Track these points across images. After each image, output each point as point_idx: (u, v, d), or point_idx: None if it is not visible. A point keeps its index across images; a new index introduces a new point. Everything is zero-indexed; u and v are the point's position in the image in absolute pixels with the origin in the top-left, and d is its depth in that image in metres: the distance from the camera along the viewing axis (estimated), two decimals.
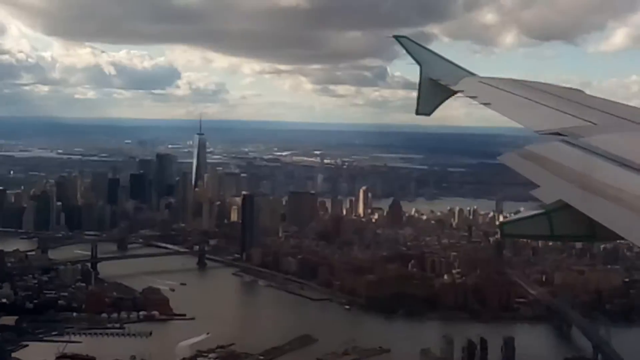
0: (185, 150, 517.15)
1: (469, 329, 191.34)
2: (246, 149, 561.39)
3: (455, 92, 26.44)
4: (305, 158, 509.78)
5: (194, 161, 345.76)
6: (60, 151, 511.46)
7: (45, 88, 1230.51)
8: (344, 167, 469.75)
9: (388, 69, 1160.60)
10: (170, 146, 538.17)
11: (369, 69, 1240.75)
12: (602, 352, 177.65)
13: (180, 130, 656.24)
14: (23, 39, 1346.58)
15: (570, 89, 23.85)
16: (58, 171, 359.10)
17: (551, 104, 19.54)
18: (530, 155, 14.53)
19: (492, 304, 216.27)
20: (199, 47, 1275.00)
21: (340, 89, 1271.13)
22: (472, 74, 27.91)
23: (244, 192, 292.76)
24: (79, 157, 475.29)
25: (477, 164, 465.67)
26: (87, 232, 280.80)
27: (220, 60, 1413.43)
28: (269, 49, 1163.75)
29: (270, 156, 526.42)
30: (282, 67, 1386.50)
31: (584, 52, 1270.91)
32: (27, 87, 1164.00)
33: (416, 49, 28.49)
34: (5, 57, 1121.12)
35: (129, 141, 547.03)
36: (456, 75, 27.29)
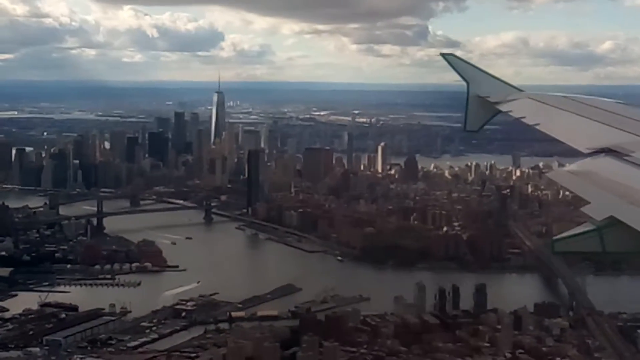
0: (225, 110, 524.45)
1: (454, 278, 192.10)
2: (285, 110, 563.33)
3: (502, 111, 26.53)
4: (342, 117, 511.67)
5: (213, 119, 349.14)
6: (100, 113, 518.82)
7: (92, 52, 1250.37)
8: (378, 125, 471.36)
9: (430, 27, 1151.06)
10: (209, 107, 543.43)
11: (408, 28, 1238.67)
12: (575, 298, 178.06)
13: (225, 92, 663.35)
14: (61, 2, 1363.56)
15: (621, 103, 23.79)
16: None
17: (601, 120, 19.54)
18: (580, 171, 14.70)
19: (483, 255, 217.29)
20: (235, 8, 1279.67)
21: (385, 48, 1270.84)
22: (520, 90, 28.05)
23: (249, 149, 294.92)
24: (117, 118, 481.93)
25: (512, 120, 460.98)
26: (102, 190, 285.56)
27: (259, 22, 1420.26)
28: (304, 9, 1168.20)
29: (307, 116, 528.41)
30: (321, 27, 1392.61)
31: (622, 5, 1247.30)
32: (74, 51, 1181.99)
33: (463, 66, 28.29)
34: (49, 20, 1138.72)
35: (170, 102, 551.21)
36: (504, 92, 27.39)
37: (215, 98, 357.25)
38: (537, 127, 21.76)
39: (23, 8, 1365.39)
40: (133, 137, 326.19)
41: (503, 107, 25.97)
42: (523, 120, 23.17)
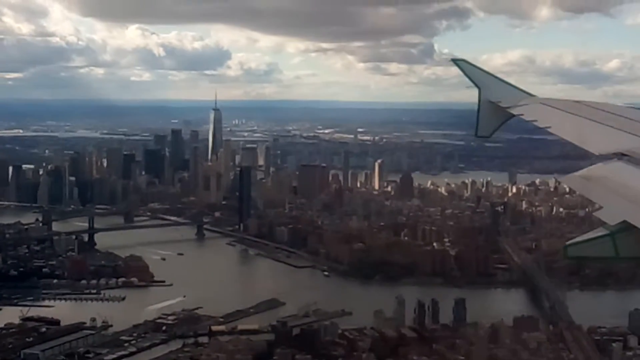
0: (228, 129, 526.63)
1: (438, 293, 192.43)
2: (290, 128, 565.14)
3: (514, 115, 26.31)
4: (345, 135, 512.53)
5: (210, 136, 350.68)
6: (105, 131, 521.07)
7: (101, 71, 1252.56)
8: (381, 143, 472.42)
9: (435, 46, 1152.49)
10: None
11: (413, 46, 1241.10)
12: (555, 312, 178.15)
13: (232, 110, 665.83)
14: (65, 21, 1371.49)
15: (633, 107, 23.58)
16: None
17: (613, 124, 19.46)
18: (592, 176, 14.51)
19: (470, 270, 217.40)
20: (238, 26, 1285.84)
21: (392, 67, 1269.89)
22: (531, 95, 27.87)
23: (240, 165, 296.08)
24: (121, 136, 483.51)
25: (516, 139, 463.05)
26: (98, 206, 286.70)
27: (264, 40, 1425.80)
28: (308, 27, 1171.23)
29: (311, 134, 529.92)
30: (325, 45, 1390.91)
31: (623, 24, 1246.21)
32: (82, 70, 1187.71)
33: (474, 72, 28.17)
34: (55, 39, 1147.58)
35: (175, 121, 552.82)
36: (515, 97, 27.20)
37: (212, 115, 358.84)
38: (549, 129, 21.73)
39: (28, 27, 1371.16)
40: (129, 154, 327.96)
41: (515, 111, 25.79)
42: (535, 123, 23.21)
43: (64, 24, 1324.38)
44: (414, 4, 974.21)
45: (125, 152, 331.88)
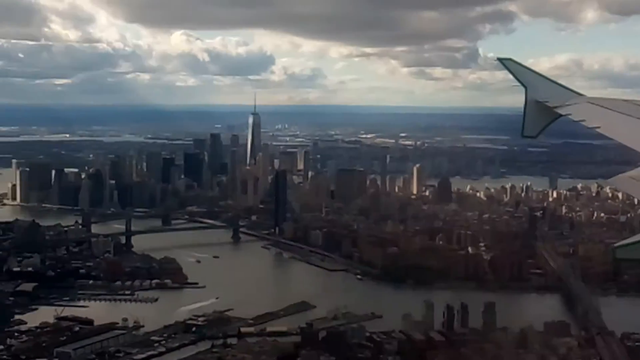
0: (270, 133, 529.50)
1: (470, 297, 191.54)
2: (333, 132, 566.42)
3: (561, 115, 26.31)
4: (387, 140, 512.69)
5: (248, 140, 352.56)
6: (149, 136, 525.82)
7: (147, 76, 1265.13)
8: (423, 148, 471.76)
9: (480, 50, 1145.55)
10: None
11: (457, 50, 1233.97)
12: (588, 318, 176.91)
13: (276, 115, 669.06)
14: (111, 28, 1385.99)
15: None
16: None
17: None
18: None
19: (504, 275, 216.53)
20: (281, 31, 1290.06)
21: (436, 71, 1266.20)
22: (579, 95, 27.78)
23: (279, 169, 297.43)
24: (164, 141, 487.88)
25: (561, 143, 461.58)
26: (137, 209, 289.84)
27: (307, 45, 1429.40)
28: (350, 32, 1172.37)
29: (353, 138, 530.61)
30: (368, 49, 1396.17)
31: None
32: (129, 76, 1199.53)
33: (521, 71, 28.18)
34: (102, 45, 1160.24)
35: (219, 125, 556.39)
36: (563, 96, 27.14)
37: (250, 120, 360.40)
38: (598, 130, 21.54)
39: (75, 34, 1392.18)
40: (169, 158, 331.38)
41: (562, 111, 25.75)
42: (583, 123, 23.09)
43: (110, 30, 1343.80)
44: (456, 8, 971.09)
45: (164, 156, 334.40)
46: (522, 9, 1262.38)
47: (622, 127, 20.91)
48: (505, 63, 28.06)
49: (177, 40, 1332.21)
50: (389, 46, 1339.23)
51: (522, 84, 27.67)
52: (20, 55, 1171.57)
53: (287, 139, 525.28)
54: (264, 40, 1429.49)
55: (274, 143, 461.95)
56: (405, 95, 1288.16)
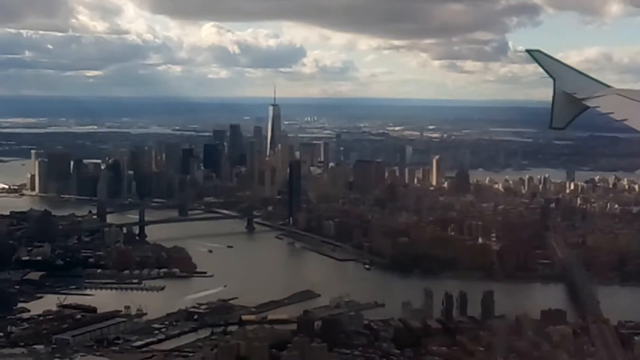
0: (298, 126, 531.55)
1: (475, 286, 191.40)
2: (361, 125, 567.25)
3: (589, 107, 26.51)
4: (414, 132, 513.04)
5: (268, 131, 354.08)
6: (177, 128, 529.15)
7: (178, 68, 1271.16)
8: (449, 140, 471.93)
9: (510, 43, 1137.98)
10: (286, 122, 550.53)
11: (485, 43, 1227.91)
12: (585, 306, 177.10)
13: (307, 108, 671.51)
14: (139, 19, 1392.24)
15: None
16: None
17: None
18: None
19: (510, 265, 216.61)
20: (309, 23, 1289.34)
21: (467, 65, 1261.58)
22: (608, 87, 28.02)
23: (291, 160, 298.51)
24: (192, 133, 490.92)
25: (587, 136, 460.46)
26: (154, 200, 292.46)
27: (336, 37, 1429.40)
28: (378, 24, 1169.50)
29: (381, 131, 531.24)
30: (397, 42, 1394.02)
31: None
32: (160, 68, 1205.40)
33: (549, 63, 28.39)
34: (132, 37, 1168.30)
35: (247, 117, 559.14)
36: (591, 88, 27.43)
37: (270, 111, 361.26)
38: (626, 122, 21.78)
39: (103, 25, 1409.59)
40: (188, 149, 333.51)
41: (590, 103, 26.07)
42: (611, 115, 23.27)
43: (138, 22, 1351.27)
44: (481, 0, 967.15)
45: (184, 147, 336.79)
46: (546, 1, 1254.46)
47: None
48: (533, 55, 28.50)
49: (207, 32, 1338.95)
50: (417, 39, 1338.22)
51: (551, 76, 28.07)
52: (50, 46, 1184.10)
53: (315, 131, 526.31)
54: (293, 32, 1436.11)
55: (301, 135, 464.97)
56: (437, 88, 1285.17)
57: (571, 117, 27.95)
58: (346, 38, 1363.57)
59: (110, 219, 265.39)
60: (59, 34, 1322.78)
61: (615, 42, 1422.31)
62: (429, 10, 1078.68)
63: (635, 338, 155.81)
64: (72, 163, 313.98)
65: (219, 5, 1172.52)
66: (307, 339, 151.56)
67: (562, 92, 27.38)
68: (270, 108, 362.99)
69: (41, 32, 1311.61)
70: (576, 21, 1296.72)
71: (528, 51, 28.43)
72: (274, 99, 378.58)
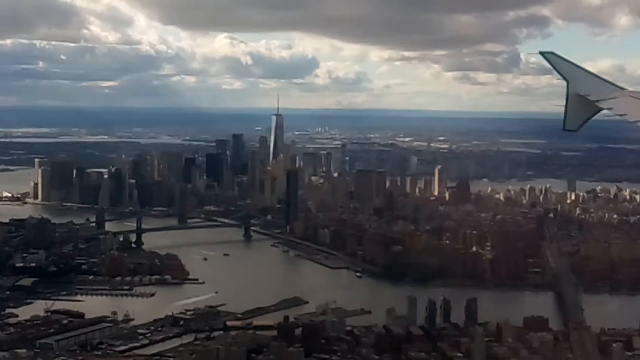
0: (308, 136, 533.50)
1: (463, 294, 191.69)
2: (372, 135, 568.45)
3: (603, 109, 26.51)
4: (423, 143, 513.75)
5: (271, 141, 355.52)
6: (187, 138, 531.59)
7: (192, 79, 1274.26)
8: (457, 151, 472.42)
9: (522, 55, 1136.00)
10: (297, 133, 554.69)
11: (496, 55, 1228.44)
12: (568, 314, 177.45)
13: (321, 119, 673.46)
14: (150, 30, 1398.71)
15: None
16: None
17: None
18: None
19: (501, 273, 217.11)
20: (319, 34, 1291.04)
21: (480, 76, 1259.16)
22: (621, 89, 28.12)
23: (288, 169, 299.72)
24: (201, 143, 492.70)
25: (596, 148, 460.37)
26: (155, 208, 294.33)
27: (347, 49, 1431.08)
28: (388, 35, 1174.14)
29: (390, 142, 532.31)
30: (408, 53, 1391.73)
31: None
32: (174, 79, 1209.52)
33: (563, 65, 28.46)
34: (145, 48, 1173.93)
35: (259, 128, 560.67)
36: (605, 90, 27.44)
37: (273, 121, 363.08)
38: (639, 124, 21.75)
39: (114, 35, 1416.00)
40: (190, 158, 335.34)
41: (603, 105, 26.11)
42: (624, 117, 23.15)
43: (149, 33, 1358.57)
44: (489, 12, 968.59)
45: (186, 157, 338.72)
46: (555, 13, 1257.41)
47: None
48: (547, 57, 28.65)
49: (220, 43, 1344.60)
50: (428, 50, 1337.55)
51: (564, 78, 28.23)
52: (63, 57, 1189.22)
53: (325, 141, 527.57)
54: (304, 44, 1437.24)
55: (309, 145, 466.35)
56: (452, 100, 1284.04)
57: (584, 119, 27.98)
58: (357, 49, 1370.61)
59: (109, 226, 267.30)
60: (72, 45, 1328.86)
61: (626, 54, 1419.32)
62: (437, 21, 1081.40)
63: (614, 345, 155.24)
64: (74, 171, 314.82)
65: (228, 16, 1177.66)
66: (284, 344, 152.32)
67: (576, 94, 27.55)
68: (273, 118, 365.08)
69: (54, 42, 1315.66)
70: (585, 33, 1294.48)
71: (542, 53, 28.73)
72: (277, 109, 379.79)
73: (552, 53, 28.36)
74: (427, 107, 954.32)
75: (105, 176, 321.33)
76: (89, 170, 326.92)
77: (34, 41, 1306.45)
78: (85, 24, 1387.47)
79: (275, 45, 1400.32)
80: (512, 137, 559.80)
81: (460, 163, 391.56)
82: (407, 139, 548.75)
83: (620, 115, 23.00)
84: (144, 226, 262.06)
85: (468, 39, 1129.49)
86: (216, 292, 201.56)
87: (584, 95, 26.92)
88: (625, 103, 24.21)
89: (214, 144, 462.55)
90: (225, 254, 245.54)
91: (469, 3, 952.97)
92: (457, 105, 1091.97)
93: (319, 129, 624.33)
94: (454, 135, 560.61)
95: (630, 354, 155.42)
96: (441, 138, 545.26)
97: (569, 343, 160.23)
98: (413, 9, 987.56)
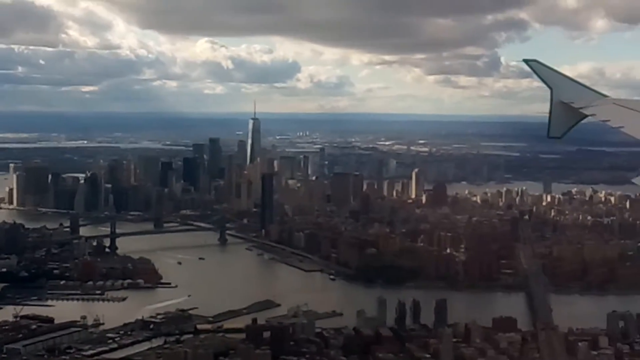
0: (289, 140, 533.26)
1: (435, 295, 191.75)
2: (353, 139, 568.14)
3: (586, 116, 26.55)
4: (403, 147, 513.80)
5: (248, 145, 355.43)
6: (168, 143, 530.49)
7: (174, 84, 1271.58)
8: (437, 154, 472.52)
9: (502, 58, 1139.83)
10: (278, 137, 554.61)
11: (476, 58, 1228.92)
12: (537, 315, 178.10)
13: (303, 123, 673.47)
14: (128, 34, 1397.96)
15: None
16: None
17: None
18: None
19: (474, 275, 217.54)
20: (298, 38, 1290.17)
21: (462, 80, 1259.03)
22: (604, 96, 28.28)
23: (263, 173, 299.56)
24: (182, 147, 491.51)
25: (575, 150, 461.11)
26: (131, 213, 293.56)
27: (327, 52, 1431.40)
28: (368, 39, 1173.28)
29: (371, 145, 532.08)
30: (388, 57, 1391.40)
31: None
32: (155, 83, 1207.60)
33: (546, 72, 28.45)
34: (125, 52, 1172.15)
35: (240, 132, 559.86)
36: (588, 97, 27.55)
37: (250, 125, 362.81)
38: (622, 129, 21.81)
39: (93, 40, 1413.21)
40: (167, 162, 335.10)
41: (587, 112, 26.13)
42: (607, 123, 23.21)
43: (128, 37, 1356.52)
44: (468, 15, 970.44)
45: (163, 161, 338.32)
46: (532, 17, 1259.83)
47: None
48: (531, 65, 28.68)
49: (201, 48, 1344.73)
50: (408, 54, 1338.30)
51: (548, 86, 28.21)
52: (42, 62, 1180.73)
53: (305, 145, 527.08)
54: (285, 48, 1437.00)
55: (289, 149, 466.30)
56: (434, 104, 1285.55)
57: (568, 127, 28.03)
58: (338, 53, 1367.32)
59: (84, 231, 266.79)
60: (50, 49, 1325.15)
61: (605, 58, 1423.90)
62: (416, 25, 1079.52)
63: (579, 344, 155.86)
64: (50, 176, 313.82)
65: (207, 20, 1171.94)
66: (251, 346, 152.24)
67: (560, 101, 27.61)
68: (250, 122, 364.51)
69: (32, 47, 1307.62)
70: (563, 36, 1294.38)
71: (525, 61, 28.71)
72: (254, 113, 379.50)
73: (536, 61, 28.53)
74: (410, 110, 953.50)
75: (82, 181, 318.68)
76: (64, 175, 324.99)
77: (12, 46, 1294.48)
78: (63, 29, 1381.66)
79: (256, 49, 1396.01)
80: (492, 140, 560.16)
81: (440, 166, 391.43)
82: (388, 143, 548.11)
83: (604, 121, 23.23)
84: (119, 231, 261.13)
85: (447, 43, 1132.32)
86: (189, 296, 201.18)
87: (568, 103, 27.10)
88: (608, 110, 24.50)
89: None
90: (200, 258, 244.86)
91: (447, 7, 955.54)
92: (439, 108, 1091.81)
93: (300, 133, 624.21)
94: (435, 139, 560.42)
95: (595, 353, 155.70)
96: (422, 141, 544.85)
97: (536, 343, 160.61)
98: (391, 13, 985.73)
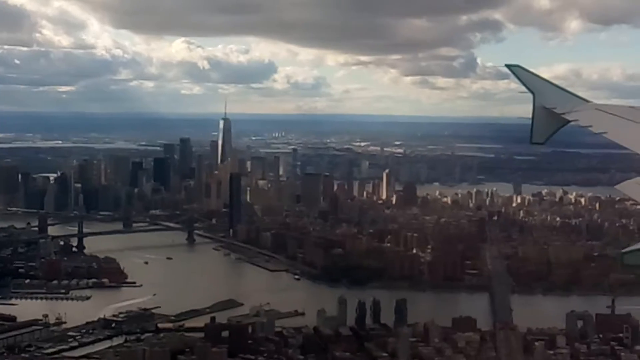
0: (264, 141, 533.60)
1: (398, 295, 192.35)
2: (328, 140, 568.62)
3: (569, 121, 26.48)
4: (378, 148, 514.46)
5: (219, 145, 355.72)
6: (143, 143, 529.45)
7: (150, 84, 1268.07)
8: (411, 155, 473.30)
9: (479, 59, 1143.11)
10: (253, 138, 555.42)
11: (452, 59, 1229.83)
12: (497, 314, 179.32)
13: (279, 123, 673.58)
14: (103, 34, 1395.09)
15: None
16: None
17: None
18: None
19: (438, 275, 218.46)
20: (274, 39, 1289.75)
21: (439, 81, 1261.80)
22: (587, 101, 28.03)
23: (231, 173, 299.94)
24: (157, 148, 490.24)
25: (550, 152, 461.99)
26: (101, 212, 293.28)
27: (303, 53, 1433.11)
28: (343, 40, 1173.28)
29: (345, 146, 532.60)
30: (364, 57, 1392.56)
31: None
32: (132, 84, 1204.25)
33: (529, 78, 28.35)
34: (100, 52, 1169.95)
35: (216, 133, 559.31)
36: (570, 103, 27.34)
37: (221, 124, 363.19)
38: (605, 135, 21.84)
39: (68, 39, 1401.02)
40: (138, 162, 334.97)
41: (570, 117, 26.10)
42: (590, 129, 23.32)
43: (102, 37, 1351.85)
44: (442, 16, 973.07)
45: (133, 160, 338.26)
46: (506, 17, 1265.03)
47: (628, 133, 21.37)
48: (513, 70, 28.57)
49: (177, 48, 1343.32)
50: (383, 54, 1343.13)
51: (530, 91, 28.10)
52: (17, 61, 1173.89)
53: (280, 146, 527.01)
54: (261, 48, 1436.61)
55: (264, 150, 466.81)
56: (412, 105, 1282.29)
57: (551, 132, 28.07)
58: (313, 54, 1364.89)
59: (53, 231, 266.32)
60: (25, 49, 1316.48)
61: (581, 59, 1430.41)
62: (391, 25, 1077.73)
63: (536, 344, 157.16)
64: (19, 176, 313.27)
65: (182, 20, 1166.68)
66: (208, 344, 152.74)
67: (542, 107, 27.56)
68: (221, 122, 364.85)
69: (6, 47, 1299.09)
70: (538, 37, 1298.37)
71: (508, 66, 28.66)
72: (225, 113, 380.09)
73: (518, 66, 28.52)
74: (387, 111, 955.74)
75: (52, 181, 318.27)
76: (35, 175, 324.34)
77: None
78: (37, 28, 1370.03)
79: (232, 50, 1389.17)
80: (468, 141, 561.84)
81: (412, 167, 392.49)
82: (363, 144, 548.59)
83: (586, 126, 23.34)
84: (87, 230, 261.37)
85: (422, 44, 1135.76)
86: (154, 295, 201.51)
87: (550, 108, 27.14)
88: (591, 115, 24.58)
89: None
90: (168, 258, 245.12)
91: (420, 8, 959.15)
92: (417, 110, 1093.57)
93: (276, 133, 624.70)
94: (411, 140, 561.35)
95: (552, 352, 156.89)
96: (397, 142, 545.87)
97: (494, 342, 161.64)
98: (366, 14, 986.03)
